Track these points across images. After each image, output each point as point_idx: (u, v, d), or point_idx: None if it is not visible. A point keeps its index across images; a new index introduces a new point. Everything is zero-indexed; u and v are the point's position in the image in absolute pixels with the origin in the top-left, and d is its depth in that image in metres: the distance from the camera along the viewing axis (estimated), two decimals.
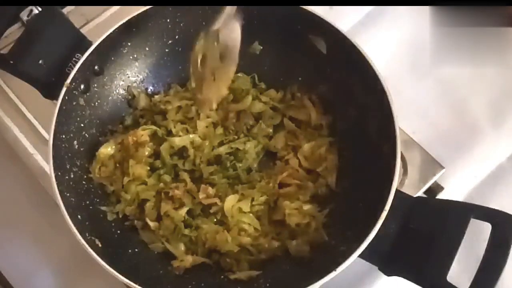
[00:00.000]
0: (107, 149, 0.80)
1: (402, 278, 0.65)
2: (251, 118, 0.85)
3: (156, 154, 0.82)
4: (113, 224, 0.78)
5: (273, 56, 0.87)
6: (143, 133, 0.81)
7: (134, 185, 0.79)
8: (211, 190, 0.78)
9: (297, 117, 0.85)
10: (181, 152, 0.82)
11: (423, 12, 0.97)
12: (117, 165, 0.81)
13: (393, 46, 1.00)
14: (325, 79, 0.83)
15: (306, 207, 0.77)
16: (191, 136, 0.82)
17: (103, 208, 0.78)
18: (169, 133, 0.83)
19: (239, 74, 0.86)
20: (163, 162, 0.81)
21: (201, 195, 0.78)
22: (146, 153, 0.81)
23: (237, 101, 0.85)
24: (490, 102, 0.95)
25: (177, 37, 0.85)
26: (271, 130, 0.84)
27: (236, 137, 0.84)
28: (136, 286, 0.64)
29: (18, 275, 0.84)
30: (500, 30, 0.89)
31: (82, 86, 0.77)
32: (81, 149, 0.78)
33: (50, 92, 0.78)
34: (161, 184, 0.79)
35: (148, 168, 0.80)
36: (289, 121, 0.85)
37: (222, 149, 0.82)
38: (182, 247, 0.77)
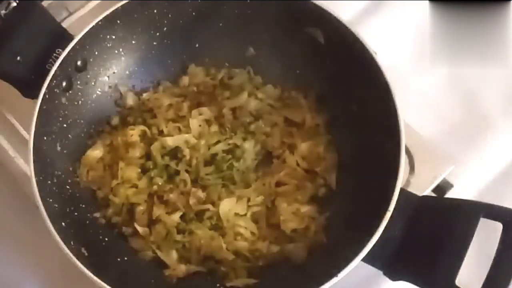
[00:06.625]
0: (95, 152, 0.80)
1: (409, 283, 0.65)
2: (248, 115, 0.84)
3: (148, 155, 0.81)
4: (100, 231, 0.77)
5: (269, 49, 0.86)
6: (133, 133, 0.81)
7: (123, 188, 0.79)
8: (201, 194, 0.77)
9: (292, 119, 0.84)
10: (174, 153, 0.81)
11: None
12: (107, 168, 0.81)
13: (399, 34, 0.99)
14: (324, 71, 0.83)
15: (305, 209, 0.77)
16: (185, 136, 0.81)
17: (89, 214, 0.78)
18: (161, 133, 0.82)
19: (236, 70, 0.87)
20: (155, 162, 0.80)
21: (191, 200, 0.77)
22: (137, 154, 0.80)
23: (233, 97, 0.85)
24: (503, 93, 0.95)
25: (165, 29, 0.85)
26: (269, 129, 0.84)
27: (233, 134, 0.83)
28: None
29: (3, 287, 0.84)
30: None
31: (63, 84, 0.77)
32: (64, 152, 0.78)
33: (30, 91, 0.77)
34: (155, 187, 0.78)
35: (139, 170, 0.80)
36: (284, 122, 0.84)
37: (219, 147, 0.81)
38: (174, 254, 0.76)
